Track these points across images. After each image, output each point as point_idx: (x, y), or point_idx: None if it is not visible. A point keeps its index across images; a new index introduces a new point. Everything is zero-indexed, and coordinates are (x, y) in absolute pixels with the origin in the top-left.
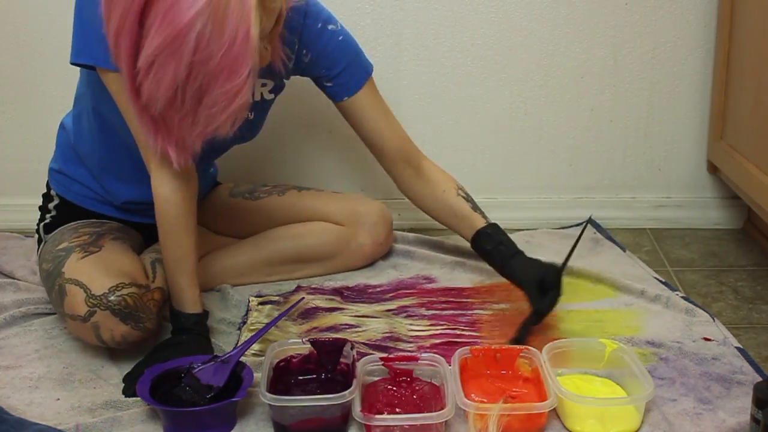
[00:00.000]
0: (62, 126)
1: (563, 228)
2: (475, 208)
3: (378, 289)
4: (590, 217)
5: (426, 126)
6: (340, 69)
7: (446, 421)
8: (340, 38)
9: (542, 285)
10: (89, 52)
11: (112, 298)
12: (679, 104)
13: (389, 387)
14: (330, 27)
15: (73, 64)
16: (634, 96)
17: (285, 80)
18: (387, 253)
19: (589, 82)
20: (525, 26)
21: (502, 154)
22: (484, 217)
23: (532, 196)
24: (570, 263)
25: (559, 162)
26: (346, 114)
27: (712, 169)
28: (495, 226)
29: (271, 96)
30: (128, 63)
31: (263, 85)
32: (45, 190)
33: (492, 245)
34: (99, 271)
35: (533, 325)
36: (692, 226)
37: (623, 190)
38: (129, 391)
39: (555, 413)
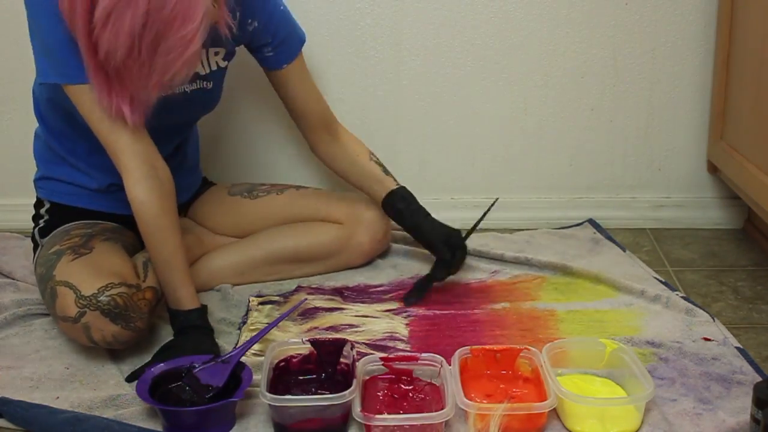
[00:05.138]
0: (35, 134)
1: (563, 228)
2: (386, 172)
3: (378, 289)
4: (497, 199)
5: (426, 126)
6: (282, 37)
7: (446, 421)
8: (282, 8)
9: (449, 243)
10: (61, 71)
11: (102, 298)
12: (679, 104)
13: (389, 387)
14: None
15: (42, 84)
16: (634, 96)
17: (235, 47)
18: (387, 253)
19: (589, 82)
20: (525, 26)
21: (502, 154)
22: (395, 181)
23: (532, 196)
24: (570, 263)
25: (559, 162)
26: (278, 82)
27: (712, 169)
28: (405, 189)
29: (225, 63)
30: (84, 20)
31: (216, 53)
32: (35, 200)
33: (404, 205)
34: (89, 272)
35: (437, 280)
36: (692, 226)
37: (623, 190)
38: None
39: (555, 413)
